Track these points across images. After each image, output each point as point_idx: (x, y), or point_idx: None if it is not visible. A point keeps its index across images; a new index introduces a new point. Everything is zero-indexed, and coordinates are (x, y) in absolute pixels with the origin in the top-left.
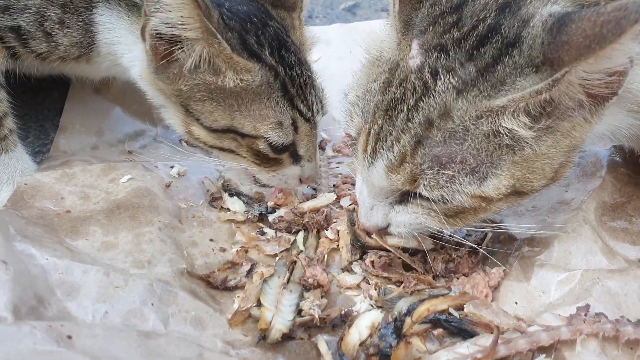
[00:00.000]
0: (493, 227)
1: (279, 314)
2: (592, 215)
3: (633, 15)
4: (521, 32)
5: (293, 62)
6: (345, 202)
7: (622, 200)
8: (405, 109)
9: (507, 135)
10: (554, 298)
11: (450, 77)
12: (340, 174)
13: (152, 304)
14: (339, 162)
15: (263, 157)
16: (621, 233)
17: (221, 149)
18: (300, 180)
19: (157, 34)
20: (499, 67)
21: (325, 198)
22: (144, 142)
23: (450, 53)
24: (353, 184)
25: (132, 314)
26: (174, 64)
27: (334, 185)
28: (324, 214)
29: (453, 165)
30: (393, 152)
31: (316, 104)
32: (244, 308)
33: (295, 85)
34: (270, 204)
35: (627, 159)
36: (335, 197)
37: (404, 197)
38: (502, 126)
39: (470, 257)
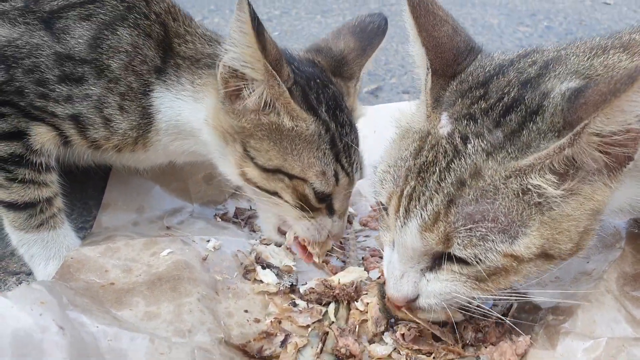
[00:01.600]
0: (518, 297)
1: None
2: (614, 285)
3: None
4: (542, 102)
5: (344, 122)
6: (373, 274)
7: None
8: (437, 171)
9: (535, 193)
10: None
11: (480, 141)
12: (368, 247)
13: None
14: (366, 236)
15: (305, 202)
16: None
17: (267, 190)
18: (329, 236)
19: (228, 67)
20: (524, 132)
21: (355, 272)
22: (182, 218)
23: (479, 121)
24: (381, 257)
25: None
26: (240, 101)
27: (362, 258)
28: (354, 285)
29: (485, 223)
30: (427, 210)
31: (356, 163)
32: None
33: (342, 142)
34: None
35: None
36: (366, 271)
37: (436, 263)
38: (530, 184)
39: (498, 327)
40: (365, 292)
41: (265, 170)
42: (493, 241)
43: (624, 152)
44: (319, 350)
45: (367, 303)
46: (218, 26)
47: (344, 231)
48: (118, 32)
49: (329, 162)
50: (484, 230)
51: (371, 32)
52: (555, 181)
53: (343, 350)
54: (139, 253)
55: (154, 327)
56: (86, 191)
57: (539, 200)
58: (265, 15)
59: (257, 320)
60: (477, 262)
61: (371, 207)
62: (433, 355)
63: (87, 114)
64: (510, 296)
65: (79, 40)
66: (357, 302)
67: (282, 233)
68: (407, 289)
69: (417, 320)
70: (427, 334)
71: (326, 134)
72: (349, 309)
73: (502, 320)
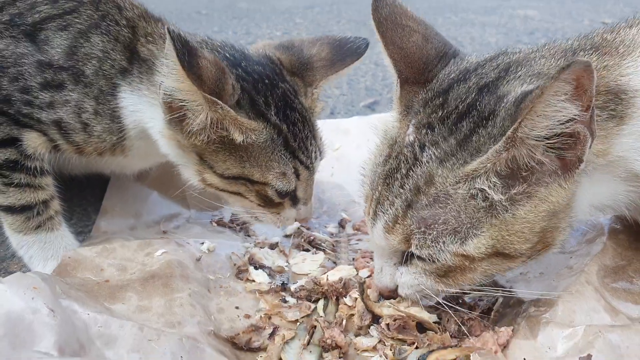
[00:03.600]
0: (503, 293)
1: None
2: (595, 277)
3: (553, 79)
4: (496, 107)
5: (296, 120)
6: (363, 273)
7: (623, 263)
8: (399, 177)
9: (481, 197)
10: (560, 353)
11: (434, 149)
12: (360, 249)
13: (182, 357)
14: (358, 239)
15: (269, 201)
16: (623, 293)
17: (231, 192)
18: (296, 220)
19: (169, 95)
20: (474, 138)
21: (344, 270)
22: (178, 224)
23: (436, 129)
24: (371, 258)
25: None
26: (187, 122)
27: (352, 259)
28: (343, 282)
29: (438, 226)
30: (388, 214)
31: (315, 152)
32: None
33: (297, 140)
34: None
35: (627, 227)
36: (355, 270)
37: (406, 259)
38: (477, 188)
39: (483, 320)
40: (355, 288)
41: (225, 177)
42: (444, 243)
43: (571, 154)
44: (305, 342)
45: (356, 298)
46: None
47: (312, 212)
48: (91, 40)
49: (287, 162)
50: (436, 232)
51: (348, 50)
52: (503, 185)
53: (329, 342)
54: (134, 253)
55: (144, 319)
56: (85, 198)
57: (486, 203)
58: (267, 35)
59: (248, 316)
60: (432, 261)
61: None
62: (416, 345)
63: (67, 120)
64: (495, 291)
65: (58, 50)
66: (345, 297)
67: None
68: (385, 280)
69: (401, 313)
70: (411, 326)
71: (279, 136)
72: (338, 305)
73: (487, 313)
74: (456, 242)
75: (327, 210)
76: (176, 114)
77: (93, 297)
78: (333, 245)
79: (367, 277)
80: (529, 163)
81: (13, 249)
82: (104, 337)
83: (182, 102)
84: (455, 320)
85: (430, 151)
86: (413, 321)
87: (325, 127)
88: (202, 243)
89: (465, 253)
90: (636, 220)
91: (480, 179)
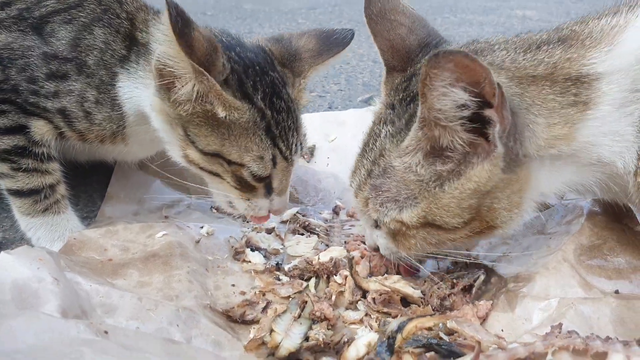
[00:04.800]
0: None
1: (288, 338)
2: (571, 255)
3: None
4: None
5: (281, 108)
6: (354, 254)
7: (598, 242)
8: (367, 149)
9: (413, 172)
10: (535, 324)
11: (390, 126)
12: (352, 234)
13: (178, 325)
14: (351, 225)
15: (244, 183)
16: (597, 269)
17: (210, 172)
18: (270, 211)
19: (160, 62)
20: (414, 118)
21: (335, 251)
22: (179, 210)
23: (395, 109)
24: (362, 242)
25: (159, 331)
26: (174, 90)
27: (345, 242)
28: (333, 261)
29: (382, 193)
30: (357, 180)
31: (296, 145)
32: (259, 336)
33: (279, 128)
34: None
35: (605, 209)
36: (346, 251)
37: (377, 223)
38: (408, 162)
39: (465, 296)
40: (345, 267)
41: (205, 154)
42: (387, 208)
43: (484, 138)
44: (296, 315)
45: (346, 276)
46: None
47: (287, 205)
48: (94, 32)
49: (266, 147)
50: (381, 199)
51: (334, 41)
52: (429, 162)
53: (318, 314)
54: (136, 235)
55: (144, 293)
56: (91, 184)
57: (417, 178)
58: (269, 35)
59: (243, 293)
60: (381, 224)
61: None
62: (400, 316)
63: (71, 108)
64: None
65: (62, 42)
66: (335, 276)
67: None
68: (370, 240)
69: (386, 288)
70: (396, 300)
71: (262, 120)
72: (329, 283)
73: (469, 287)
74: (395, 209)
75: (323, 198)
76: (165, 81)
77: (97, 273)
78: (327, 230)
79: (358, 257)
80: (451, 144)
81: (22, 231)
82: (105, 306)
83: (171, 69)
84: (438, 295)
85: (386, 127)
86: (398, 295)
87: (322, 119)
88: (202, 227)
89: (402, 220)
90: (612, 201)
91: (410, 155)
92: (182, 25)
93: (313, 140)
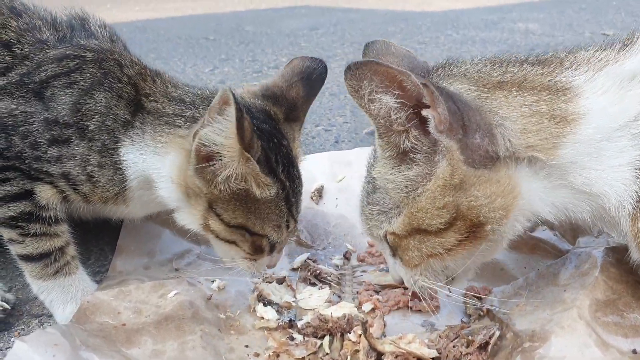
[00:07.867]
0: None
1: None
2: (587, 311)
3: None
4: None
5: (294, 176)
6: (366, 307)
7: (614, 297)
8: (367, 171)
9: (388, 180)
10: None
11: (377, 152)
12: (364, 281)
13: None
14: (363, 271)
15: (260, 251)
16: (614, 327)
17: (227, 240)
18: (267, 266)
19: (203, 143)
20: None
21: (346, 307)
22: (189, 260)
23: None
24: (375, 291)
25: None
26: (210, 169)
27: (357, 292)
28: (346, 318)
29: (374, 207)
30: (362, 202)
31: (300, 204)
32: None
33: (294, 195)
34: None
35: (619, 259)
36: (357, 306)
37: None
38: (381, 172)
39: (481, 353)
40: (358, 324)
41: (230, 226)
42: (380, 221)
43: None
44: None
45: (360, 334)
46: (228, 75)
47: (281, 257)
48: (95, 96)
49: (283, 216)
50: (376, 215)
51: (315, 80)
52: (399, 169)
53: None
54: (148, 295)
55: None
56: (102, 238)
57: (393, 185)
58: (273, 62)
59: (257, 355)
60: (380, 240)
61: (368, 242)
62: None
63: (74, 172)
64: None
65: (64, 106)
66: (349, 333)
67: None
68: (393, 272)
69: (402, 350)
70: None
71: (283, 192)
72: (343, 340)
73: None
74: (385, 221)
75: (332, 241)
76: (206, 164)
77: (111, 342)
78: (338, 279)
79: (371, 310)
80: (413, 146)
81: (34, 293)
82: None
83: (219, 155)
84: (455, 355)
85: (376, 153)
86: (414, 357)
87: (330, 160)
88: (213, 281)
89: (393, 231)
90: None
91: (381, 164)
92: (240, 118)
93: (321, 181)
